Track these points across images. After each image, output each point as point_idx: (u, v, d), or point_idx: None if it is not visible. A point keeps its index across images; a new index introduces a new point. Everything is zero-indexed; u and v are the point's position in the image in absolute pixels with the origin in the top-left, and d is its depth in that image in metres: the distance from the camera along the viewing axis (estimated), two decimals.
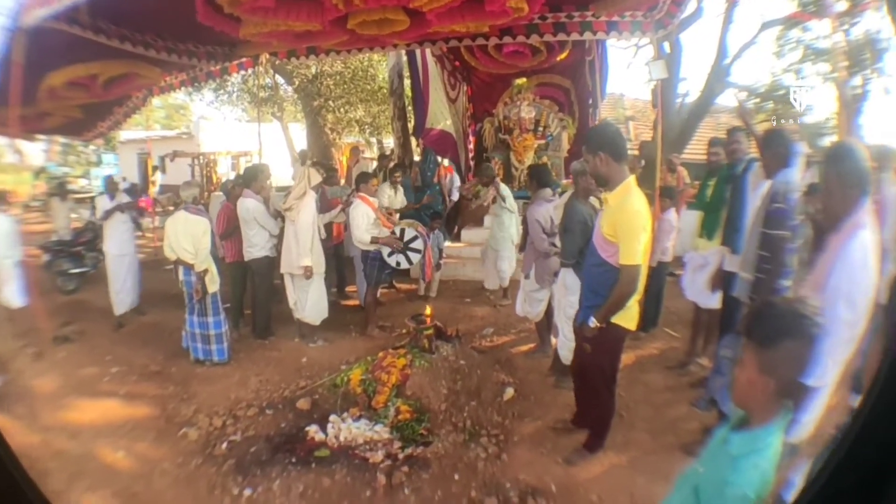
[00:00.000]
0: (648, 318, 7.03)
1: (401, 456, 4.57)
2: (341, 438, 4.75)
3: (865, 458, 1.30)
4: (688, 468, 2.19)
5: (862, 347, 2.82)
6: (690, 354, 6.44)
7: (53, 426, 5.25)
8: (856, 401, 1.91)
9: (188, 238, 6.32)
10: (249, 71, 11.47)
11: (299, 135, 23.56)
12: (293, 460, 4.51)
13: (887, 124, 16.83)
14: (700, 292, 6.07)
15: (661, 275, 7.10)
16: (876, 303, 2.74)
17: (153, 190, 18.70)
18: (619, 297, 4.01)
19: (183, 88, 11.94)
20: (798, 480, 1.99)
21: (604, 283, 4.10)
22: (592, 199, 5.61)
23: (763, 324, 1.93)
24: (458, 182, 13.01)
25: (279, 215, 7.34)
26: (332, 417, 5.00)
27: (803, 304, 1.98)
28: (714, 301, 5.73)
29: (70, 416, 5.48)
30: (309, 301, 7.18)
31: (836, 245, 2.78)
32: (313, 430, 4.85)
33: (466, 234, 11.86)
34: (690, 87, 17.20)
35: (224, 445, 4.89)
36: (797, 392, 2.07)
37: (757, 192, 4.81)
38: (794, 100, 16.62)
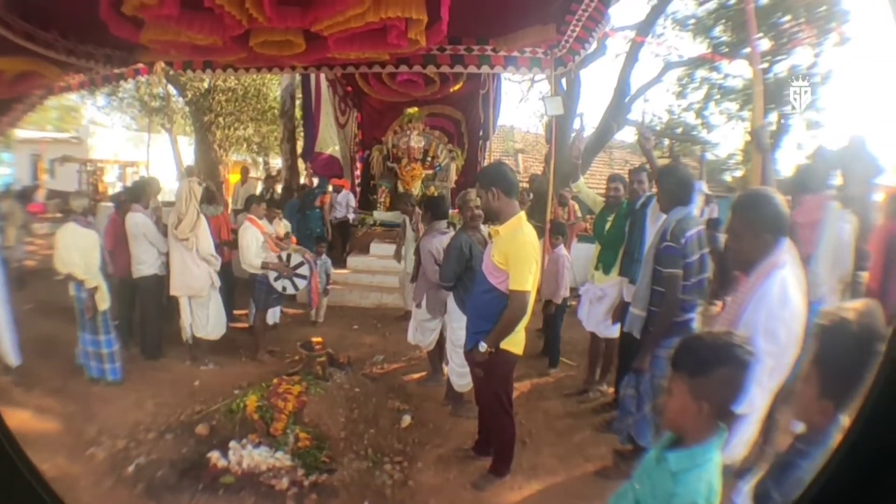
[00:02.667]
0: (551, 357, 7.34)
1: (306, 483, 4.51)
2: (244, 465, 4.63)
3: (862, 462, 1.37)
4: (622, 487, 2.26)
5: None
6: (590, 382, 6.60)
7: None
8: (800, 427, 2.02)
9: (78, 252, 6.06)
10: (143, 79, 11.17)
11: (188, 149, 22.86)
12: (200, 486, 4.41)
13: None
14: (599, 323, 6.24)
15: (561, 315, 7.24)
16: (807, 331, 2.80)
17: (42, 193, 17.78)
18: (509, 322, 4.14)
19: (78, 90, 11.45)
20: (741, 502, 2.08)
21: (492, 309, 4.22)
22: (484, 229, 5.76)
23: (693, 355, 2.03)
24: (352, 201, 12.96)
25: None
26: (232, 444, 4.87)
27: (730, 335, 2.12)
28: (614, 331, 5.90)
29: None
30: (210, 318, 7.05)
31: (750, 286, 2.86)
32: (215, 457, 4.71)
33: (353, 260, 11.80)
34: (586, 122, 17.43)
35: (131, 468, 4.73)
36: (731, 414, 2.19)
37: (656, 226, 4.89)
38: (696, 137, 17.30)
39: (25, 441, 4.81)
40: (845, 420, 1.78)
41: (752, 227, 2.89)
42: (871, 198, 5.71)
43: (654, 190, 5.42)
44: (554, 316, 7.16)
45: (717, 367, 1.95)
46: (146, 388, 6.37)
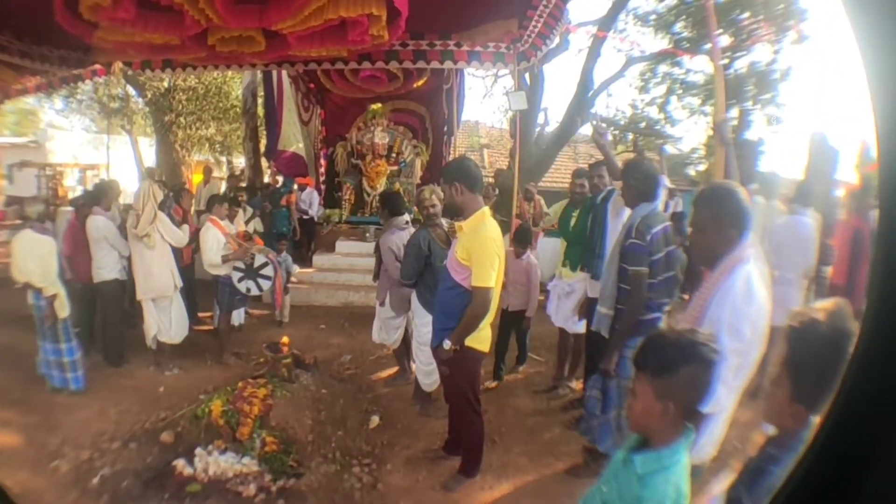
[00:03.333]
0: (520, 354, 7.20)
1: (273, 489, 4.47)
2: (210, 472, 4.57)
3: (833, 463, 1.37)
4: (589, 490, 2.24)
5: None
6: (559, 378, 6.61)
7: None
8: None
9: (35, 259, 5.92)
10: (101, 80, 10.99)
11: (148, 150, 22.55)
12: (166, 496, 4.34)
13: (774, 153, 17.69)
14: (567, 319, 6.25)
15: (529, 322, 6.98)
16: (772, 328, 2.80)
17: (0, 200, 17.45)
18: (472, 318, 4.13)
19: (35, 93, 11.21)
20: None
21: (456, 306, 4.21)
22: (445, 225, 5.77)
23: (656, 355, 1.99)
24: (316, 199, 12.87)
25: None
26: (198, 450, 4.79)
27: (693, 333, 2.10)
28: (582, 327, 5.90)
29: None
30: (174, 320, 6.98)
31: (713, 281, 2.83)
32: (181, 465, 4.63)
33: (318, 259, 11.71)
34: (550, 117, 17.49)
35: (96, 480, 4.64)
36: (698, 414, 2.18)
37: (619, 220, 4.92)
38: (659, 131, 17.45)
39: None
40: (816, 420, 1.76)
41: (715, 222, 2.86)
42: (833, 194, 5.78)
43: (613, 184, 5.44)
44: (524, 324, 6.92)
45: (681, 367, 1.92)
46: (110, 396, 6.26)
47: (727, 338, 2.64)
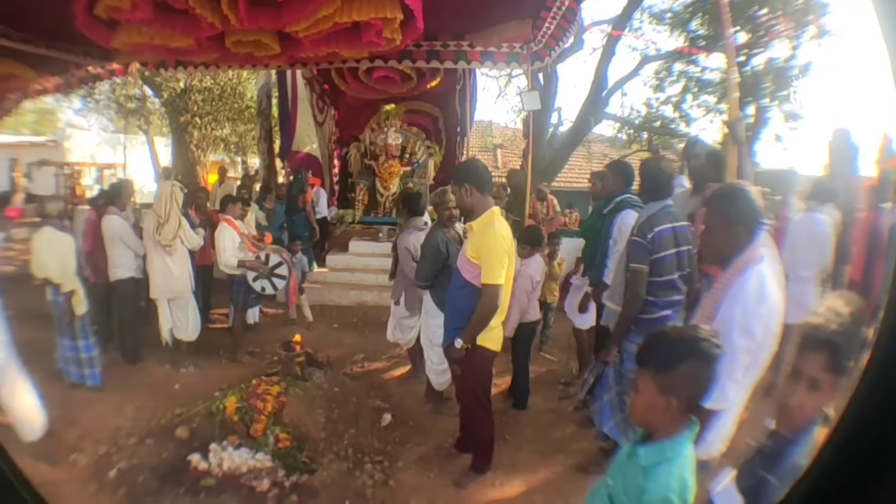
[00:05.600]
0: (519, 394, 6.21)
1: (287, 484, 4.52)
2: (224, 467, 4.63)
3: (850, 459, 1.38)
4: (596, 483, 2.28)
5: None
6: (573, 375, 6.66)
7: None
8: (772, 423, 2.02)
9: (54, 256, 6.00)
10: (118, 80, 11.07)
11: (165, 150, 22.68)
12: (181, 490, 4.40)
13: (790, 150, 17.42)
14: (572, 311, 6.38)
15: (529, 337, 6.24)
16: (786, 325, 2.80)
17: (20, 198, 17.60)
18: (482, 316, 4.17)
19: (54, 93, 11.29)
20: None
21: (467, 305, 4.26)
22: (459, 227, 5.76)
23: (657, 351, 2.05)
24: (324, 197, 12.89)
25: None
26: (213, 446, 4.86)
27: (695, 329, 2.14)
28: (583, 320, 6.03)
29: None
30: (190, 319, 7.07)
31: (725, 280, 2.84)
32: (196, 459, 4.71)
33: (332, 258, 11.76)
34: (564, 117, 17.37)
35: (113, 473, 4.71)
36: (701, 408, 2.20)
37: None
38: (675, 130, 17.27)
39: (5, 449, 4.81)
40: (832, 414, 1.78)
41: (725, 221, 2.86)
42: (854, 191, 5.73)
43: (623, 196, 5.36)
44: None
45: (682, 362, 1.97)
46: (126, 392, 6.32)
47: (738, 336, 2.65)
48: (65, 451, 5.05)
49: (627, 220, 5.04)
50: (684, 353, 1.99)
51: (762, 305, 2.71)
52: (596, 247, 5.64)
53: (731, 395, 2.70)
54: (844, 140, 5.77)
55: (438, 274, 5.51)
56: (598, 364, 4.47)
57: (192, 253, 7.28)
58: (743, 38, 14.44)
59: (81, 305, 6.17)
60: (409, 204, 6.65)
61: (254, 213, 9.50)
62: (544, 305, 6.84)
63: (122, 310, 7.27)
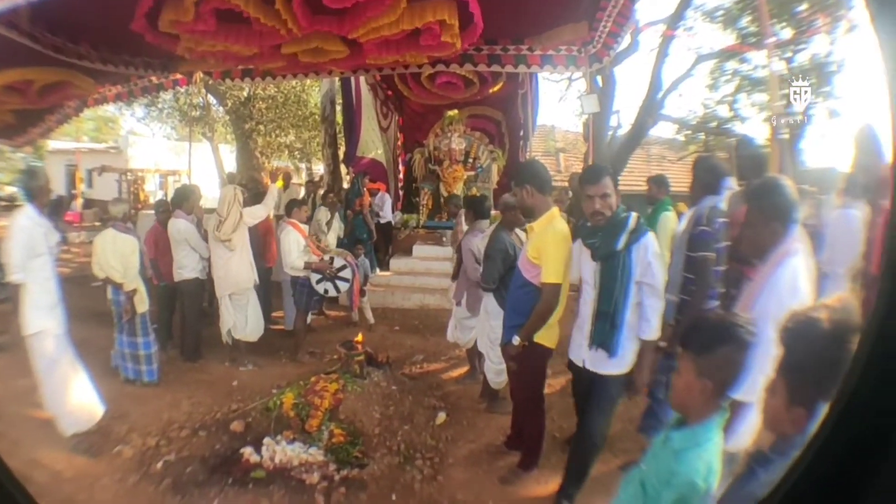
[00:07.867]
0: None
1: (337, 477, 4.56)
2: (276, 460, 4.70)
3: (839, 457, 1.36)
4: (631, 471, 2.31)
5: None
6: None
7: None
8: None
9: (116, 257, 6.14)
10: (182, 89, 11.33)
11: (229, 157, 23.29)
12: (230, 481, 4.48)
13: (832, 147, 17.03)
14: None
15: None
16: None
17: (79, 203, 18.19)
18: (541, 314, 4.20)
19: (115, 102, 11.64)
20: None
21: (527, 303, 4.28)
22: (518, 231, 5.73)
23: (698, 334, 2.11)
24: (389, 202, 13.01)
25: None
26: (266, 440, 4.95)
27: (735, 316, 2.19)
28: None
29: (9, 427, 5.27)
30: (249, 319, 7.18)
31: (763, 273, 2.87)
32: (248, 452, 4.80)
33: (395, 262, 11.89)
34: (623, 119, 17.24)
35: (159, 465, 4.79)
36: (731, 399, 2.20)
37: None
38: (730, 130, 16.96)
39: (40, 444, 4.85)
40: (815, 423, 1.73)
41: (762, 215, 2.94)
42: (881, 186, 5.56)
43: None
44: None
45: (720, 346, 2.01)
46: (183, 388, 6.46)
47: (772, 329, 2.64)
48: (109, 444, 5.14)
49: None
50: (723, 336, 2.02)
51: (794, 299, 2.74)
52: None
53: (761, 389, 2.68)
54: (868, 134, 5.61)
55: (504, 276, 5.50)
56: (665, 361, 4.42)
57: (256, 253, 7.44)
58: (788, 33, 14.30)
59: (143, 304, 6.33)
60: (475, 207, 6.69)
61: (337, 222, 9.73)
62: None
63: (186, 309, 7.43)
